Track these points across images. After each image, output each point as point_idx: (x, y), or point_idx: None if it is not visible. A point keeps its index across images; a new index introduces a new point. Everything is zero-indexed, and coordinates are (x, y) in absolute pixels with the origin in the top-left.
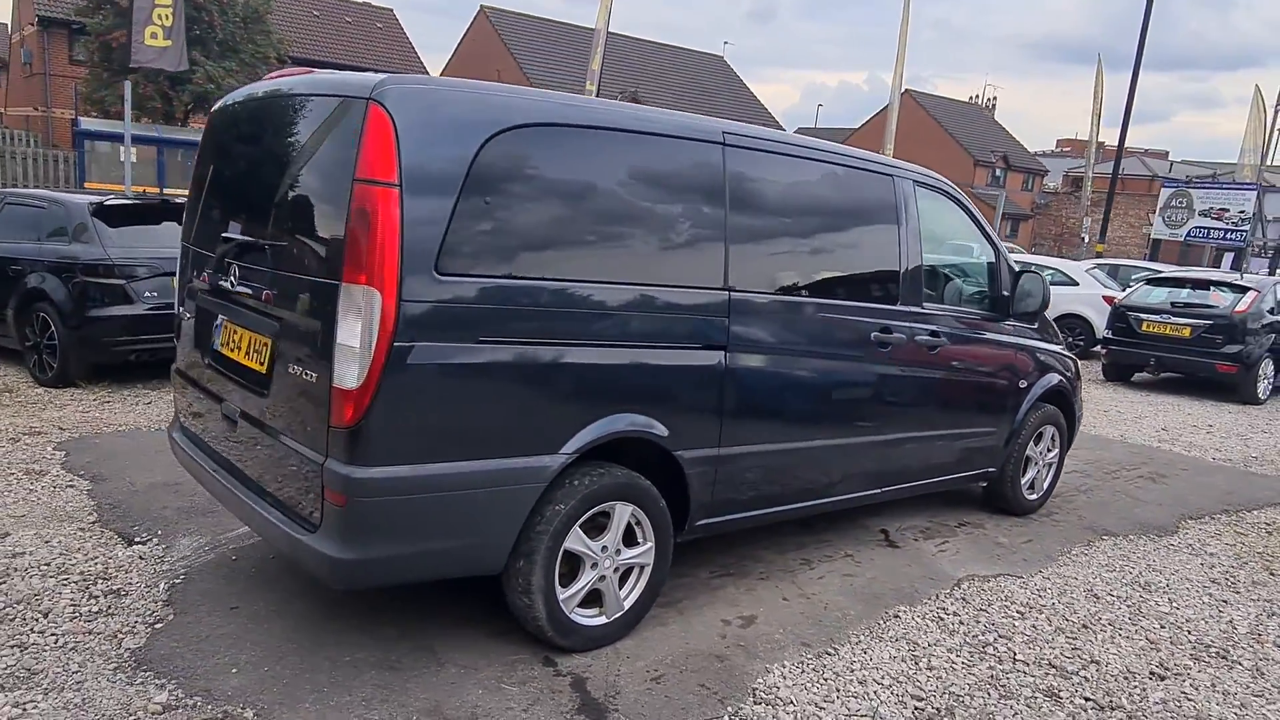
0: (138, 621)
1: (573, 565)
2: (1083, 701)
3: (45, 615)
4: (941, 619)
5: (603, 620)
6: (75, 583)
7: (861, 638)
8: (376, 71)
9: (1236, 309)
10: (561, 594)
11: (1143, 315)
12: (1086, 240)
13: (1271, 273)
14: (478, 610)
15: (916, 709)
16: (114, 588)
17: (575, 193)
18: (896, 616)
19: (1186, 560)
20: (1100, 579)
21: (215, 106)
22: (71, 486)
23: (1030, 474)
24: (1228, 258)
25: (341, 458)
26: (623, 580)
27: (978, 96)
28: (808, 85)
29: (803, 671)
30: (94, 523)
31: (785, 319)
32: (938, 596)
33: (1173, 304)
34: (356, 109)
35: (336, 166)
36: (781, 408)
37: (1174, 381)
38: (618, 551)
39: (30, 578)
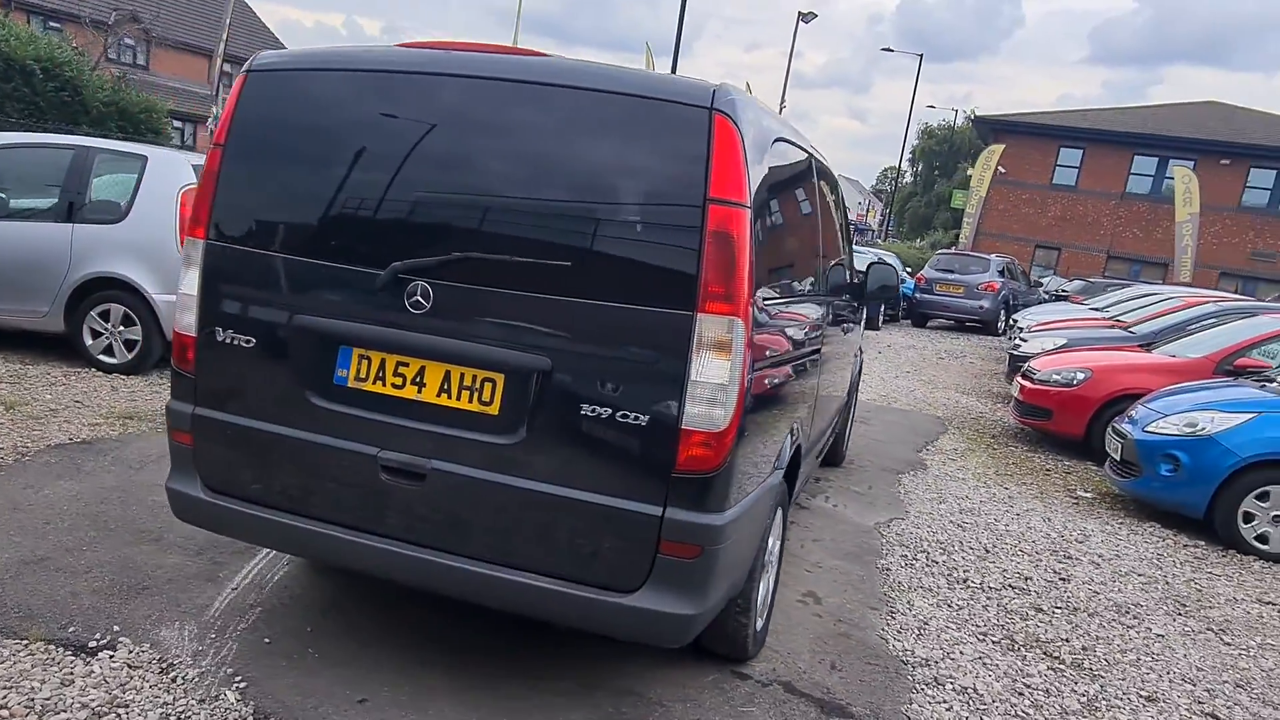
0: None
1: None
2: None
3: None
4: (912, 561)
5: (761, 622)
6: None
7: (893, 591)
8: None
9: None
10: None
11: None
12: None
13: None
14: (596, 643)
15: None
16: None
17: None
18: (887, 570)
19: (960, 480)
20: (940, 513)
21: (346, 66)
22: None
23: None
24: None
25: (692, 506)
26: None
27: None
28: (281, 21)
29: (907, 617)
30: None
31: None
32: (885, 545)
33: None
34: (695, 119)
35: (665, 180)
36: None
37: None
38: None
39: None
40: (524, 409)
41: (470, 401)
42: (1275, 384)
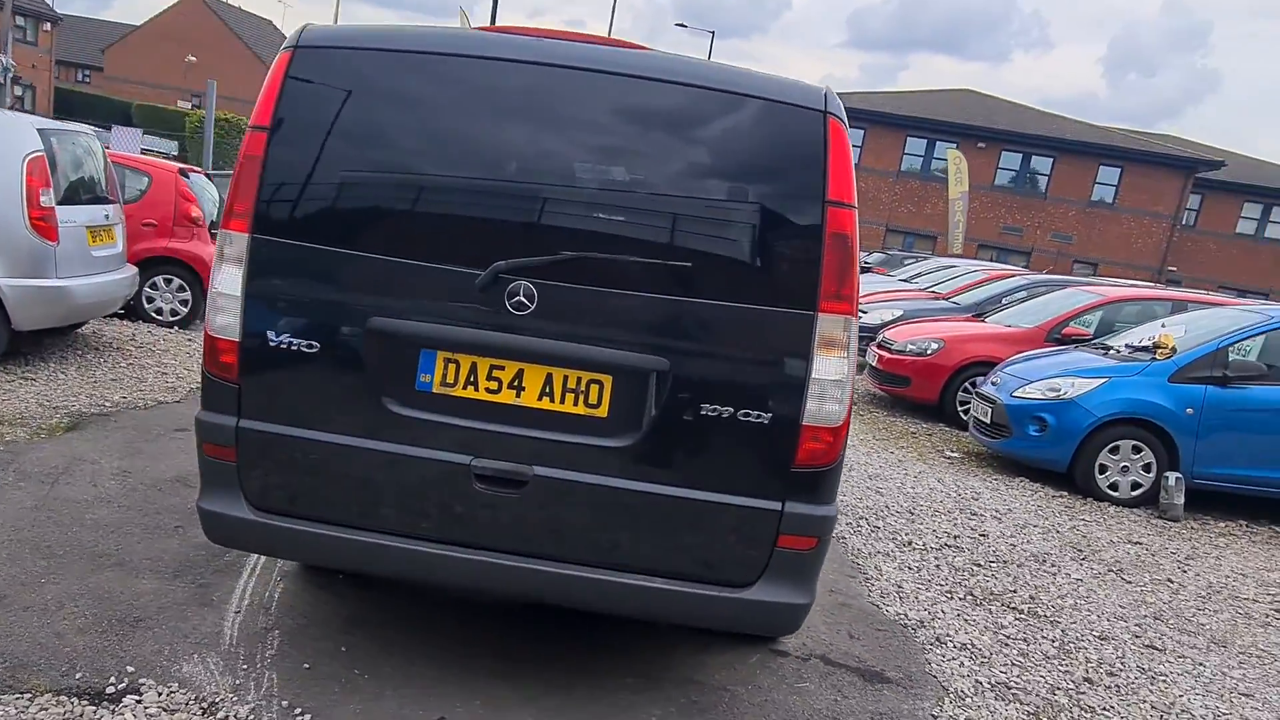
0: None
1: None
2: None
3: None
4: (858, 528)
5: None
6: None
7: (859, 559)
8: None
9: None
10: None
11: None
12: None
13: None
14: (636, 635)
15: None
16: None
17: None
18: (842, 538)
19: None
20: (854, 480)
21: (424, 48)
22: None
23: None
24: None
25: (809, 499)
26: None
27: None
28: None
29: (881, 582)
30: None
31: None
32: None
33: None
34: (811, 123)
35: (783, 181)
36: None
37: None
38: None
39: None
40: (638, 410)
41: (576, 404)
42: (1114, 350)
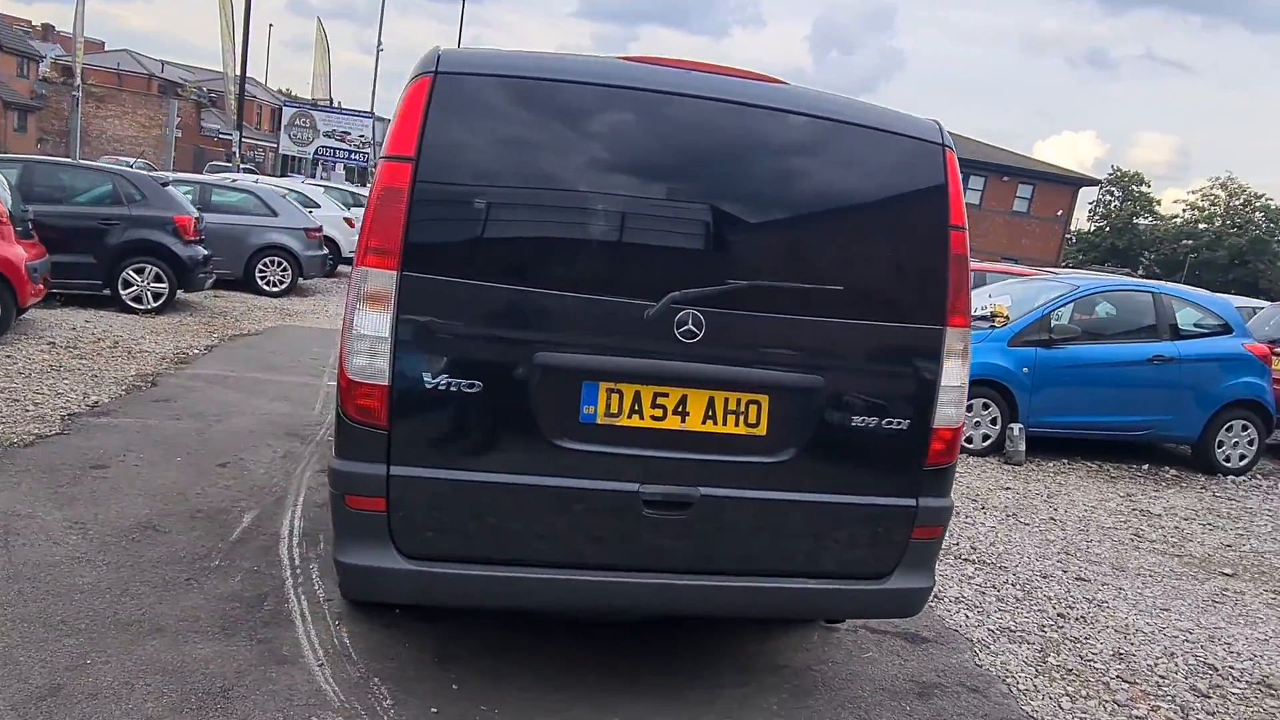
0: None
1: None
2: None
3: None
4: None
5: None
6: None
7: None
8: None
9: None
10: None
11: None
12: (238, 153)
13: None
14: (699, 631)
15: None
16: None
17: None
18: None
19: None
20: None
21: (571, 77)
22: None
23: None
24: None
25: (936, 494)
26: None
27: None
28: None
29: None
30: None
31: None
32: None
33: None
34: (933, 155)
35: (913, 209)
36: None
37: None
38: None
39: None
40: (795, 426)
41: (737, 425)
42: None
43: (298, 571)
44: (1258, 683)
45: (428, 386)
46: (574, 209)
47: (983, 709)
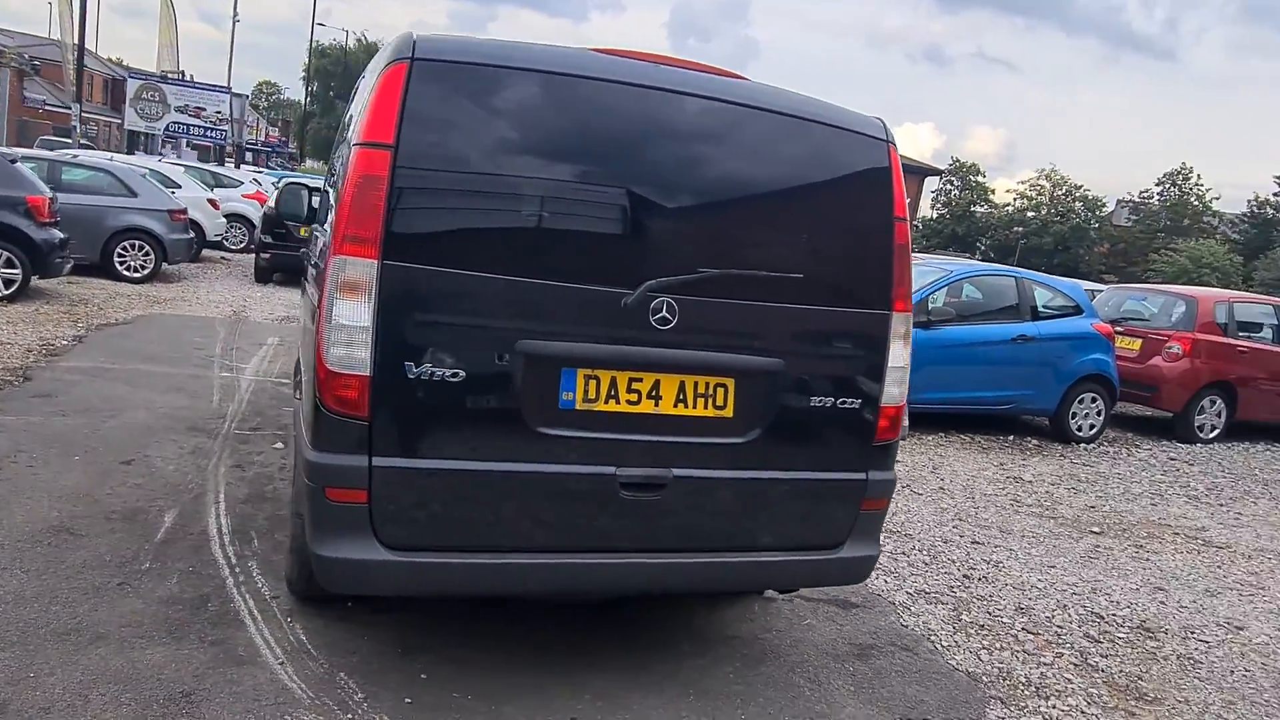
0: None
1: None
2: None
3: None
4: None
5: None
6: None
7: None
8: None
9: None
10: None
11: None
12: (78, 127)
13: (237, 167)
14: (637, 610)
15: None
16: None
17: None
18: None
19: None
20: None
21: (546, 67)
22: None
23: None
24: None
25: (882, 467)
26: None
27: None
28: None
29: None
30: None
31: None
32: None
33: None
34: (878, 151)
35: (861, 201)
36: None
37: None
38: None
39: None
40: (759, 408)
41: (706, 408)
42: None
43: (236, 570)
44: (1137, 627)
45: (409, 376)
46: (553, 199)
47: (916, 665)
